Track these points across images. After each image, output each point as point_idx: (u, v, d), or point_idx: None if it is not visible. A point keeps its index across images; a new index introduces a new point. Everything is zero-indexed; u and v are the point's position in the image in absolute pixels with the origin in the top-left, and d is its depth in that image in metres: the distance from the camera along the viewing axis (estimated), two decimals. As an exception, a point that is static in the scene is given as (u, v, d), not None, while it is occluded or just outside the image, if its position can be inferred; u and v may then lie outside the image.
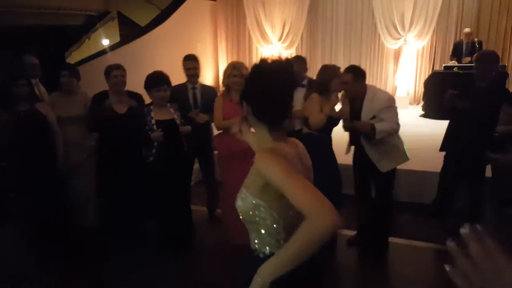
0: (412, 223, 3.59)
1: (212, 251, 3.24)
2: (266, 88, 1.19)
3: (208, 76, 8.44)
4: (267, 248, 1.20)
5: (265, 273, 1.03)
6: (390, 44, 7.87)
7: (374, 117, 2.76)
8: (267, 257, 1.14)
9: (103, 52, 7.19)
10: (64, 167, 3.20)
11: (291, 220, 1.14)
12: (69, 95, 3.33)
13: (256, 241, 1.23)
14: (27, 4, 7.77)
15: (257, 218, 1.18)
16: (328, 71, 2.99)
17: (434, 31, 7.59)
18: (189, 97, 3.48)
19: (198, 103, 3.48)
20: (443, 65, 6.97)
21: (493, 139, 2.96)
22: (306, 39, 8.55)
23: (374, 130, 2.69)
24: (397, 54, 8.04)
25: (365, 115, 2.81)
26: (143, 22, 8.47)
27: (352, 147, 3.12)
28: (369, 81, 9.04)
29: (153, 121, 2.97)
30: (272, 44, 8.63)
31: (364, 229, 3.17)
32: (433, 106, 6.51)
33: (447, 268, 0.52)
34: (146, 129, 2.95)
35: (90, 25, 8.81)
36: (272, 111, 1.22)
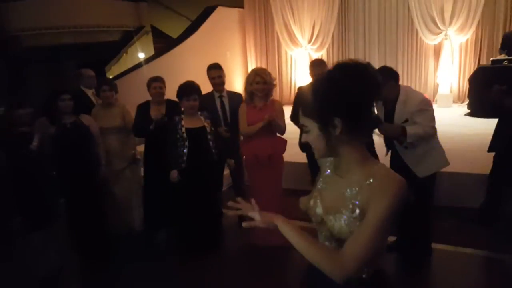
0: (458, 228, 3.37)
1: (241, 253, 3.30)
2: (363, 95, 1.00)
3: (238, 84, 8.46)
4: None
5: (282, 225, 1.13)
6: (429, 40, 7.46)
7: (407, 120, 2.63)
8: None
9: (139, 65, 7.46)
10: (107, 174, 3.39)
11: None
12: (109, 107, 3.52)
13: None
14: (64, 24, 8.26)
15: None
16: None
17: (479, 23, 7.08)
18: (217, 105, 3.54)
19: (226, 111, 3.54)
20: (491, 59, 6.46)
21: None
22: (337, 40, 8.35)
23: (405, 134, 2.57)
24: (437, 50, 7.59)
25: (398, 118, 2.68)
26: (175, 34, 8.72)
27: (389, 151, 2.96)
28: (408, 80, 8.65)
29: (183, 129, 3.07)
30: (302, 47, 8.51)
31: (404, 235, 2.99)
32: (479, 104, 6.06)
33: None
34: (177, 137, 3.06)
35: (126, 40, 9.22)
36: (368, 123, 1.07)
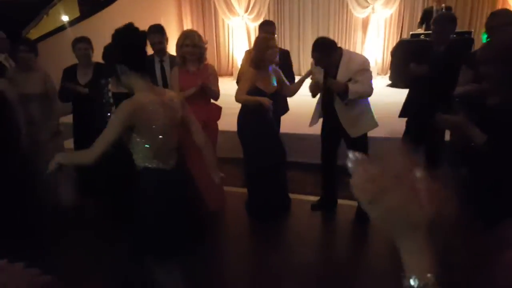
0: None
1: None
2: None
3: (172, 51, 8.21)
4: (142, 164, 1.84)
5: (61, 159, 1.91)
6: (358, 13, 7.86)
7: (349, 80, 2.81)
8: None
9: (62, 27, 6.84)
10: (28, 145, 3.14)
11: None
12: (28, 71, 3.24)
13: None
14: None
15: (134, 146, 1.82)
16: (260, 44, 2.96)
17: (401, -2, 7.61)
18: (156, 70, 3.42)
19: (166, 76, 3.41)
20: (410, 33, 7.02)
21: (451, 103, 3.02)
22: (273, 11, 8.42)
23: (347, 90, 2.75)
24: (365, 23, 8.04)
25: (341, 77, 2.85)
26: (103, -4, 8.07)
27: (320, 119, 3.18)
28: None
29: (109, 94, 2.96)
30: (239, 16, 8.45)
31: (329, 195, 3.32)
32: (399, 76, 6.60)
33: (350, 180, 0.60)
34: (103, 102, 2.96)
35: (47, 1, 8.33)
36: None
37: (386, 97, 6.06)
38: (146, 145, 1.79)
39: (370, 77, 2.89)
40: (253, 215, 3.34)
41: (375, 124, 3.04)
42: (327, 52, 2.85)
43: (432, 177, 0.56)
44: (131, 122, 1.72)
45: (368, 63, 2.94)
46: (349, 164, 0.60)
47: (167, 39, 3.46)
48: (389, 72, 7.66)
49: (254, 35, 8.05)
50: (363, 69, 2.84)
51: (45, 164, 3.22)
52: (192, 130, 1.99)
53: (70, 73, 3.28)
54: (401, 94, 3.59)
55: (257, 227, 3.28)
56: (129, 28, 1.75)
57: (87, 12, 7.50)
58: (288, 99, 3.80)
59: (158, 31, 3.37)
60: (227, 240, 3.17)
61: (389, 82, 7.20)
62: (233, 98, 3.08)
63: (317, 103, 3.22)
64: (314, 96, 3.13)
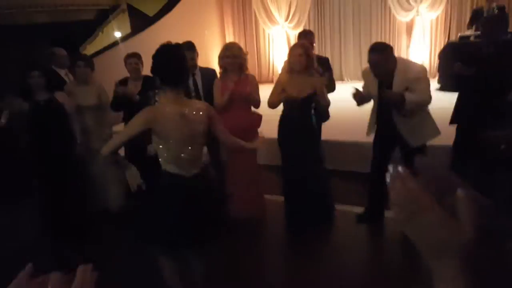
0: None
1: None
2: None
3: (215, 62, 8.48)
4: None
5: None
6: (402, 17, 7.64)
7: (406, 88, 2.69)
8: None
9: (115, 43, 7.35)
10: (83, 153, 3.40)
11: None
12: (84, 85, 3.51)
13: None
14: (40, 3, 8.01)
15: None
16: (288, 51, 3.06)
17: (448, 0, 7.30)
18: (189, 83, 3.52)
19: (199, 88, 3.53)
20: (459, 35, 6.71)
21: (504, 110, 2.85)
22: (314, 18, 8.43)
23: (404, 101, 2.64)
24: (409, 27, 7.80)
25: (397, 86, 2.71)
26: (151, 12, 8.57)
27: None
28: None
29: (156, 104, 3.07)
30: (279, 25, 8.55)
31: (376, 207, 3.16)
32: (448, 79, 6.32)
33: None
34: None
35: (102, 18, 8.99)
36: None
37: (435, 102, 5.74)
38: (163, 151, 1.97)
39: (428, 86, 2.74)
40: (291, 224, 3.31)
41: (437, 132, 2.87)
42: (386, 54, 2.71)
43: (475, 198, 0.53)
44: (147, 127, 1.91)
45: (426, 71, 2.80)
46: (388, 179, 0.58)
47: (197, 54, 3.60)
48: (437, 75, 7.35)
49: (294, 42, 8.11)
50: (421, 78, 2.68)
51: (99, 170, 3.56)
52: (220, 139, 2.18)
53: (122, 85, 3.47)
54: (451, 98, 3.43)
55: (297, 237, 3.21)
56: (164, 46, 1.94)
57: (138, 28, 8.00)
58: (330, 105, 3.75)
59: (190, 48, 3.52)
60: (264, 249, 3.17)
61: (438, 86, 6.91)
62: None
63: (372, 111, 3.09)
64: (360, 105, 3.03)
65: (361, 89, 3.01)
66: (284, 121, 3.16)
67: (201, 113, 2.00)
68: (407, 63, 2.81)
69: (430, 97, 2.73)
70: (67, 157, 3.22)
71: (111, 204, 3.65)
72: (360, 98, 2.93)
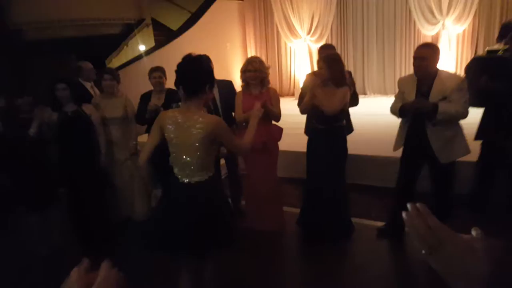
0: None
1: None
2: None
3: (238, 74, 8.56)
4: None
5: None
6: (427, 30, 7.50)
7: (444, 98, 2.61)
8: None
9: (139, 57, 7.55)
10: (108, 164, 3.49)
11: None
12: (111, 97, 3.61)
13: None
14: (66, 17, 8.36)
15: None
16: None
17: (476, 12, 7.11)
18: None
19: (216, 100, 3.53)
20: (486, 49, 6.52)
21: None
22: (336, 31, 8.40)
23: (436, 110, 2.55)
24: (435, 41, 7.62)
25: (435, 94, 2.63)
26: (175, 26, 8.79)
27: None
28: (406, 70, 8.70)
29: None
30: (301, 38, 8.56)
31: (398, 222, 3.05)
32: (475, 95, 6.13)
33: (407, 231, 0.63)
34: None
35: (127, 32, 9.30)
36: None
37: (460, 118, 5.65)
38: (171, 153, 2.15)
39: (466, 98, 2.64)
40: (310, 237, 3.27)
41: (467, 151, 2.78)
42: (434, 50, 2.65)
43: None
44: (160, 130, 2.12)
45: (466, 83, 2.70)
46: (405, 216, 0.64)
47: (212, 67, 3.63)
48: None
49: (316, 55, 8.10)
50: (460, 88, 2.60)
51: (123, 180, 3.61)
52: (234, 151, 2.32)
53: (145, 98, 3.57)
54: (478, 114, 3.35)
55: (315, 250, 3.18)
56: (184, 59, 2.09)
57: (161, 41, 8.20)
58: (353, 119, 3.71)
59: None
60: (282, 263, 3.13)
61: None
62: (295, 119, 3.12)
63: (400, 127, 3.02)
64: (402, 117, 2.91)
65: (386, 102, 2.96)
66: (313, 134, 3.17)
67: (198, 125, 2.01)
68: (448, 73, 2.78)
69: (466, 110, 2.63)
70: (91, 167, 3.31)
71: (136, 213, 3.70)
72: (407, 106, 2.78)
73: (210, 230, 2.06)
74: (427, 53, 2.64)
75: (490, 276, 0.53)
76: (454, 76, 2.79)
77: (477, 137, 3.26)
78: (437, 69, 2.71)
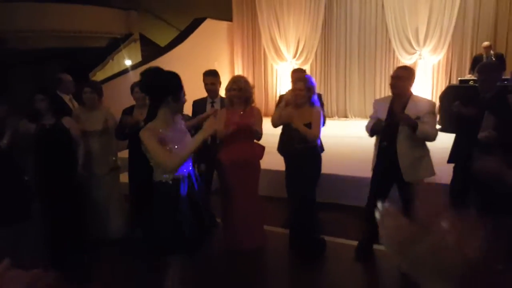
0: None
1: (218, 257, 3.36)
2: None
3: (223, 92, 8.66)
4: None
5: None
6: (405, 59, 7.88)
7: (418, 118, 2.80)
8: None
9: (125, 71, 7.54)
10: (86, 178, 3.38)
11: None
12: (92, 110, 3.54)
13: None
14: (50, 27, 8.26)
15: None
16: None
17: (449, 45, 7.58)
18: (207, 110, 3.58)
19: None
20: (459, 78, 6.92)
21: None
22: (321, 56, 8.68)
23: (416, 127, 2.74)
24: (412, 69, 8.02)
25: (409, 113, 2.82)
26: (163, 43, 8.88)
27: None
28: (387, 95, 8.98)
29: None
30: (287, 61, 8.80)
31: (367, 240, 3.18)
32: (449, 120, 6.45)
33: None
34: None
35: (114, 46, 9.29)
36: None
37: (435, 142, 5.88)
38: None
39: (435, 122, 2.89)
40: (292, 255, 3.31)
41: (432, 172, 2.95)
42: (410, 72, 2.90)
43: (465, 224, 0.56)
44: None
45: (436, 107, 2.94)
46: (377, 215, 0.63)
47: (220, 83, 3.70)
48: (438, 117, 7.49)
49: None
50: (432, 112, 2.86)
51: (101, 196, 3.52)
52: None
53: (127, 113, 3.53)
54: (451, 139, 3.52)
55: (296, 269, 3.21)
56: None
57: (148, 57, 8.24)
58: (324, 139, 3.78)
59: (211, 73, 3.68)
60: (262, 280, 3.13)
61: (439, 126, 7.02)
62: (278, 138, 3.22)
63: (376, 146, 3.14)
64: (373, 135, 3.07)
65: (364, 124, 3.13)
66: (284, 149, 3.29)
67: None
68: (421, 97, 3.01)
69: (437, 133, 2.85)
70: (69, 181, 3.21)
71: (112, 231, 3.59)
72: (377, 125, 2.97)
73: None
74: (403, 73, 2.89)
75: (463, 274, 0.51)
76: (426, 100, 3.02)
77: (449, 160, 3.40)
78: (411, 92, 2.92)
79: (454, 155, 3.34)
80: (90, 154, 3.46)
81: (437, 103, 7.41)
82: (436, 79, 7.87)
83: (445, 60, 7.74)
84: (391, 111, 2.91)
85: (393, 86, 2.93)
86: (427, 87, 7.86)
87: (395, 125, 2.86)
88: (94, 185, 3.53)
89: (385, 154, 2.98)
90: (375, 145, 3.14)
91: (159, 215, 2.27)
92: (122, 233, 3.61)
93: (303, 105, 3.14)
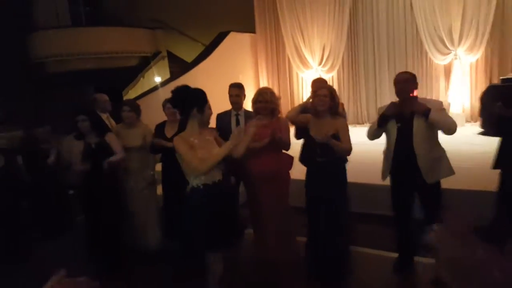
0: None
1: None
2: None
3: (249, 105, 8.68)
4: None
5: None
6: (439, 60, 7.53)
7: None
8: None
9: (155, 88, 7.77)
10: (124, 192, 3.54)
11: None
12: (131, 127, 3.69)
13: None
14: (86, 50, 8.76)
15: None
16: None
17: (488, 42, 7.12)
18: (232, 123, 3.64)
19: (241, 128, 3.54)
20: (501, 77, 6.48)
21: None
22: (348, 62, 8.50)
23: (429, 113, 2.70)
24: (447, 70, 7.63)
25: (417, 122, 2.77)
26: (190, 59, 9.08)
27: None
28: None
29: None
30: (312, 69, 8.68)
31: (409, 252, 3.01)
32: (490, 122, 6.04)
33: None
34: None
35: (144, 65, 9.66)
36: None
37: (477, 146, 5.52)
38: None
39: (449, 116, 2.86)
40: (314, 268, 3.14)
41: (452, 172, 2.88)
42: (411, 76, 2.88)
43: None
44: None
45: (442, 104, 2.93)
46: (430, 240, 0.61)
47: (244, 96, 3.71)
48: (479, 119, 7.04)
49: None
50: (442, 109, 2.82)
51: (139, 209, 3.62)
52: None
53: (160, 128, 3.66)
54: (494, 143, 3.30)
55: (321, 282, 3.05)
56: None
57: (176, 73, 8.46)
58: (364, 148, 3.65)
59: (236, 86, 3.72)
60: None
61: (480, 130, 6.60)
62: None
63: (385, 154, 3.03)
64: (382, 123, 2.95)
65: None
66: (305, 162, 3.16)
67: None
68: (427, 99, 3.01)
69: (453, 121, 2.78)
70: (114, 196, 3.38)
71: (148, 244, 3.68)
72: (391, 108, 2.92)
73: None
74: (406, 76, 2.88)
75: None
76: (433, 100, 3.03)
77: (495, 166, 3.19)
78: (417, 96, 2.92)
79: (500, 160, 3.12)
80: (128, 169, 3.61)
81: (477, 105, 7.00)
82: (475, 79, 7.43)
83: (483, 58, 7.30)
84: (401, 114, 2.83)
85: (399, 90, 2.86)
86: (465, 88, 7.45)
87: (409, 128, 2.78)
88: (133, 198, 3.65)
89: (402, 159, 2.88)
90: (384, 151, 3.04)
91: (192, 216, 2.45)
92: (159, 245, 3.69)
93: (324, 115, 2.98)
